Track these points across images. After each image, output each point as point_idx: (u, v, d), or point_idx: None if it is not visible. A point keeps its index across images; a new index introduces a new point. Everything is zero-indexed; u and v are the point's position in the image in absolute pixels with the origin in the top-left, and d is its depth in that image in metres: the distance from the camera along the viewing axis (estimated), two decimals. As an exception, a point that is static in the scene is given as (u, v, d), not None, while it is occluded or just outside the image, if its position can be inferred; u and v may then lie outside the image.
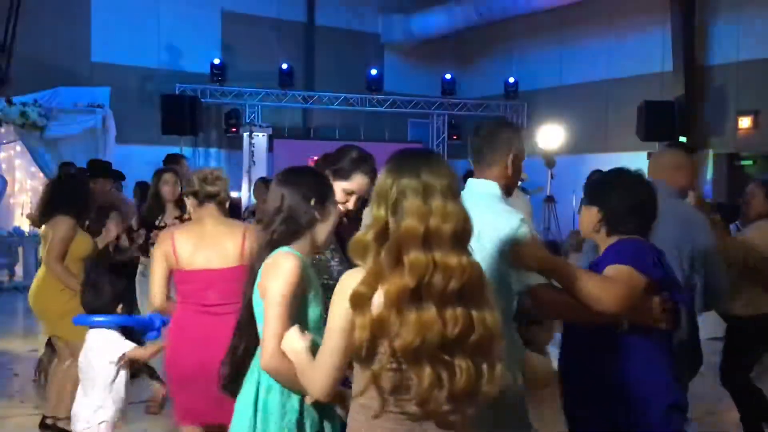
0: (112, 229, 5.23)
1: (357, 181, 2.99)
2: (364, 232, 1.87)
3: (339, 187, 2.91)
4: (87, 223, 5.04)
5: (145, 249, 5.48)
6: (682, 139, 12.43)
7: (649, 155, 13.21)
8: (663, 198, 2.85)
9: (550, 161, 13.57)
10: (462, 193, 1.93)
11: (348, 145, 3.18)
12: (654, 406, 2.56)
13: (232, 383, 2.43)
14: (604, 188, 2.77)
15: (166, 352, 3.43)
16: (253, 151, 13.79)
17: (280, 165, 13.95)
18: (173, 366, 3.35)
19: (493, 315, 1.86)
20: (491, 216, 2.53)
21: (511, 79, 15.49)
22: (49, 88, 11.20)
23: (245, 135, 13.93)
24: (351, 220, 3.01)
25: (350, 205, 3.01)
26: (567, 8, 13.49)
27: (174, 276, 3.45)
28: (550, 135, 13.86)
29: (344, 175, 2.98)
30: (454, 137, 16.20)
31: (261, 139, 14.09)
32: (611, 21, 13.64)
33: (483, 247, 2.38)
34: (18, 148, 10.92)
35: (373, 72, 15.14)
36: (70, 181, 5.32)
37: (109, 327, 3.64)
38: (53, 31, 12.64)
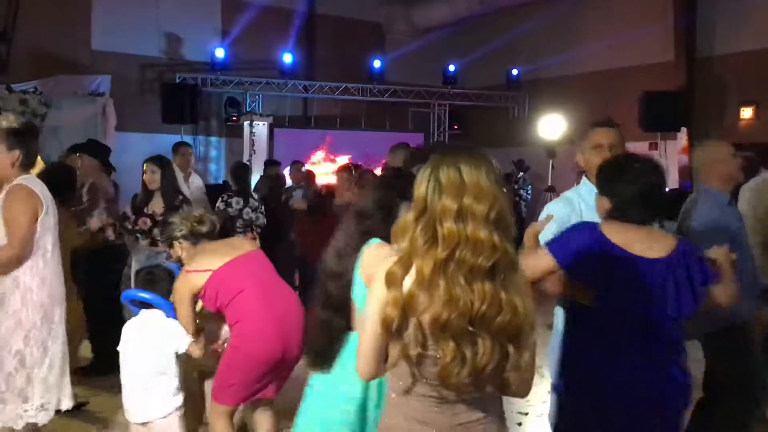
0: (93, 224, 5.28)
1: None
2: (407, 217, 1.99)
3: None
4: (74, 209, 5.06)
5: (134, 235, 5.71)
6: (684, 129, 12.43)
7: (651, 145, 13.25)
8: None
9: (551, 151, 13.55)
10: None
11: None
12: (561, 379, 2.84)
13: (324, 356, 2.71)
14: (612, 178, 2.82)
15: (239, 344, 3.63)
16: (253, 140, 13.76)
17: (280, 154, 13.95)
18: (256, 352, 3.62)
19: (524, 302, 1.93)
20: None
21: (513, 70, 15.46)
22: (49, 76, 11.16)
23: (246, 124, 13.90)
24: None
25: None
26: (569, -2, 13.46)
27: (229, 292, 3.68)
28: (551, 125, 13.82)
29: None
30: (455, 127, 16.18)
31: (261, 128, 14.05)
32: (613, 11, 13.59)
33: None
34: (11, 118, 10.89)
35: (375, 61, 15.09)
36: (53, 171, 5.32)
37: (167, 313, 3.64)
38: (54, 18, 12.58)
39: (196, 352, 3.64)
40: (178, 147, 7.98)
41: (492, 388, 1.99)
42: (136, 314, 3.75)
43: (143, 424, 3.57)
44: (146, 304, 3.67)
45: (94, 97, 10.56)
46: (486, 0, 14.67)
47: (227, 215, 6.55)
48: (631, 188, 2.71)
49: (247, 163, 11.16)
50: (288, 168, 10.87)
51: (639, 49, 13.01)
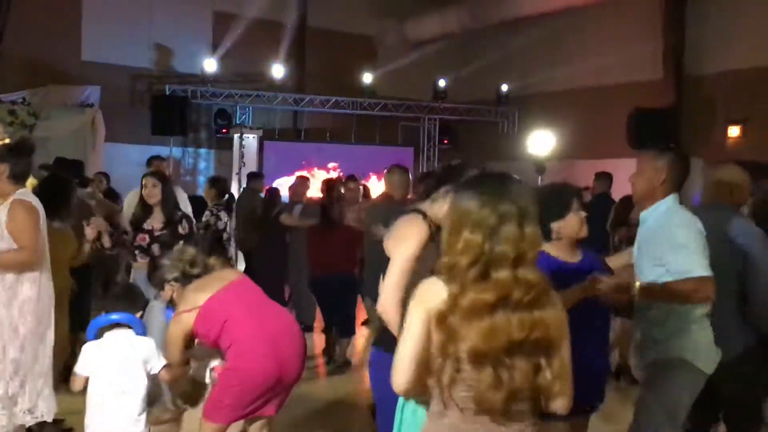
0: (89, 233, 5.22)
1: None
2: (458, 257, 2.05)
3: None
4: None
5: (132, 252, 5.61)
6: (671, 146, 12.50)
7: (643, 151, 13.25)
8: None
9: (540, 167, 13.60)
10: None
11: (482, 172, 3.32)
12: None
13: None
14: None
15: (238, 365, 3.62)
16: (243, 153, 13.74)
17: (270, 166, 13.95)
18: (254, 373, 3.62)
19: (555, 313, 2.07)
20: None
21: (503, 85, 15.52)
22: (39, 86, 11.12)
23: (235, 136, 13.89)
24: None
25: None
26: (559, 15, 13.53)
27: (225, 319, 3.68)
28: (540, 141, 13.88)
29: None
30: (445, 141, 16.22)
31: (251, 140, 14.04)
32: (603, 28, 13.67)
33: None
34: (6, 138, 10.85)
35: (365, 75, 15.12)
36: (53, 184, 5.27)
37: (137, 331, 3.58)
38: (44, 29, 12.54)
39: (166, 377, 3.59)
40: (151, 160, 7.91)
41: (525, 404, 2.08)
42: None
43: None
44: (113, 326, 3.59)
45: (84, 108, 10.53)
46: (477, 15, 14.75)
47: (217, 228, 6.52)
48: None
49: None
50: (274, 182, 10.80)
51: (628, 67, 13.09)
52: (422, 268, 2.77)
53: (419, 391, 2.19)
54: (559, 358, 2.08)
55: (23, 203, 3.97)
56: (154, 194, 5.55)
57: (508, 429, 2.09)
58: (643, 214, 3.48)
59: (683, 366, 3.32)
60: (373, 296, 6.22)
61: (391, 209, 5.90)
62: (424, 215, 3.04)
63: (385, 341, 2.95)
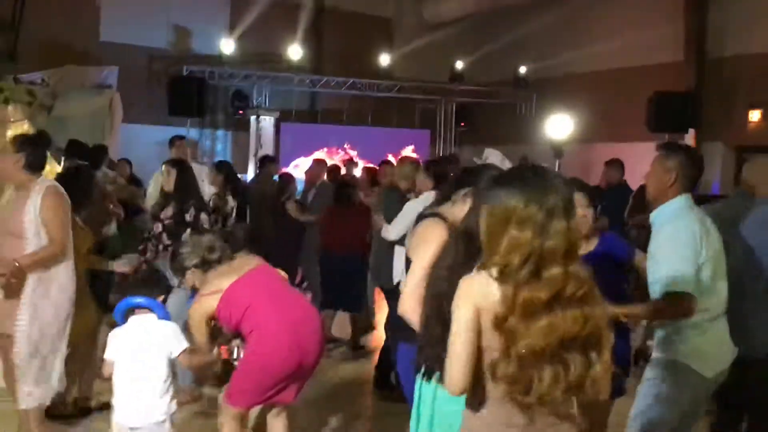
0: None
1: None
2: (508, 256, 2.04)
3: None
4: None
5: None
6: (691, 130, 12.38)
7: (658, 146, 13.15)
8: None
9: (558, 151, 13.49)
10: None
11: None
12: None
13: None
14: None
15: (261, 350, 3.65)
16: (260, 134, 13.75)
17: (286, 148, 13.95)
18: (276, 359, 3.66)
19: (601, 309, 2.08)
20: None
21: (521, 67, 15.39)
22: (57, 67, 11.15)
23: (252, 118, 13.88)
24: None
25: None
26: (578, -4, 13.39)
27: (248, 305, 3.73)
28: (558, 124, 13.75)
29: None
30: (462, 124, 16.15)
31: (268, 122, 14.04)
32: (623, 10, 13.50)
33: None
34: (26, 126, 10.89)
35: (382, 57, 15.05)
36: (74, 176, 5.33)
37: (159, 315, 3.59)
38: (62, 9, 12.58)
39: (186, 361, 3.59)
40: (173, 140, 7.96)
41: (575, 398, 2.14)
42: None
43: (133, 429, 3.51)
44: (136, 310, 3.60)
45: (102, 90, 10.54)
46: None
47: (225, 213, 6.47)
48: None
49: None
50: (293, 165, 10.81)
51: (649, 49, 12.93)
52: (439, 267, 2.81)
53: (472, 388, 2.17)
54: (608, 352, 2.10)
55: (57, 190, 4.11)
56: (167, 182, 5.58)
57: (561, 423, 2.14)
58: (653, 215, 3.40)
59: (680, 368, 3.28)
60: (379, 279, 6.34)
61: (393, 200, 6.10)
62: (444, 219, 3.06)
63: (412, 337, 3.01)
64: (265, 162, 9.61)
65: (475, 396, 2.17)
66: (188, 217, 5.47)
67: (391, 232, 5.82)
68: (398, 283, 5.47)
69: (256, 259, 4.03)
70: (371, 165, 10.77)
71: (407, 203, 5.78)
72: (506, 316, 2.03)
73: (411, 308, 2.94)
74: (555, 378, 2.04)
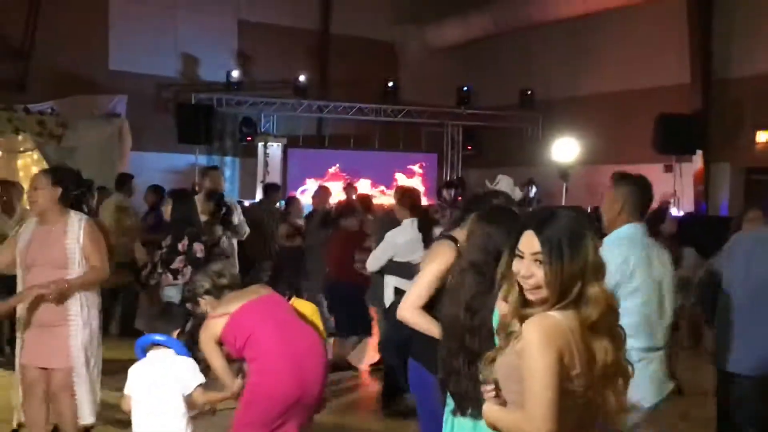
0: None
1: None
2: (603, 293, 2.14)
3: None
4: None
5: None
6: (699, 152, 12.37)
7: (666, 168, 13.17)
8: None
9: (564, 173, 13.49)
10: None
11: (506, 200, 3.60)
12: None
13: (471, 400, 2.79)
14: None
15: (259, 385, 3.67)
16: (267, 161, 13.81)
17: (294, 174, 14.01)
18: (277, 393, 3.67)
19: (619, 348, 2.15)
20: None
21: (527, 90, 15.44)
22: (66, 96, 11.25)
23: (260, 144, 13.96)
24: None
25: None
26: (583, 18, 13.44)
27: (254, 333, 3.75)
28: (565, 146, 13.78)
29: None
30: (469, 147, 16.17)
31: (275, 148, 14.11)
32: (628, 32, 13.56)
33: None
34: (35, 156, 10.98)
35: (388, 81, 15.13)
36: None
37: (177, 351, 3.62)
38: (71, 39, 12.71)
39: (200, 398, 3.58)
40: (206, 171, 8.08)
41: None
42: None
43: None
44: (155, 345, 3.63)
45: (111, 118, 10.62)
46: (500, 20, 14.69)
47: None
48: None
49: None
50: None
51: (655, 71, 12.97)
52: (453, 298, 2.96)
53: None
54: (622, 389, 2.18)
55: (96, 224, 4.53)
56: (166, 212, 5.77)
57: None
58: (603, 242, 3.40)
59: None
60: (374, 300, 6.37)
61: (387, 226, 6.19)
62: (455, 241, 3.32)
63: (421, 354, 3.26)
64: (268, 190, 9.84)
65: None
66: (181, 247, 5.57)
67: (369, 263, 5.90)
68: (391, 305, 5.69)
69: (266, 288, 4.05)
70: (365, 192, 10.87)
71: (387, 234, 5.91)
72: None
73: (409, 311, 3.30)
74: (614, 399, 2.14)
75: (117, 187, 8.74)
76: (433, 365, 3.05)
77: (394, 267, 5.82)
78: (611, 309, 2.12)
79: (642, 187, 3.47)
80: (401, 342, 5.94)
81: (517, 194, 6.98)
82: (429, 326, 3.18)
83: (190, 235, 5.67)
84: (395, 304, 5.88)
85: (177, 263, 5.56)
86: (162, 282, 5.60)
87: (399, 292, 5.85)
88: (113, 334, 7.73)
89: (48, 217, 4.32)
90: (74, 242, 4.26)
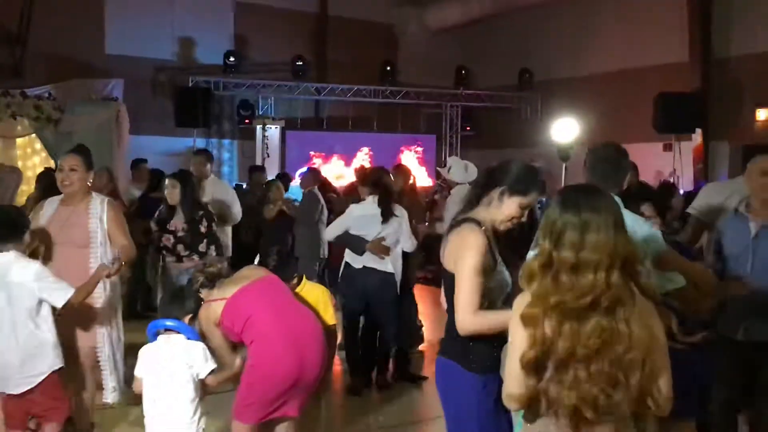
0: None
1: (533, 197, 3.10)
2: (533, 261, 2.22)
3: (516, 202, 3.05)
4: None
5: (160, 252, 5.83)
6: (698, 130, 12.34)
7: (666, 147, 13.14)
8: None
9: (564, 154, 13.46)
10: None
11: (525, 163, 3.34)
12: None
13: None
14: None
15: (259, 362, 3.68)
16: (266, 143, 13.78)
17: (293, 156, 13.98)
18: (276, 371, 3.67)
19: (643, 332, 2.11)
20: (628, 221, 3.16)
21: (526, 70, 15.37)
22: (63, 80, 11.20)
23: (258, 127, 13.92)
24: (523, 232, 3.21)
25: (524, 218, 3.14)
26: (582, -1, 13.39)
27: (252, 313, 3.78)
28: (564, 126, 13.73)
29: (523, 192, 3.07)
30: (468, 128, 16.14)
31: (274, 130, 14.08)
32: (627, 11, 13.49)
33: None
34: (33, 140, 10.96)
35: (387, 63, 15.07)
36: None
37: (188, 336, 3.61)
38: (67, 23, 12.62)
39: (213, 381, 3.61)
40: (195, 154, 8.04)
41: (613, 415, 2.14)
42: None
43: None
44: (167, 330, 3.65)
45: (108, 102, 10.57)
46: (498, 0, 14.61)
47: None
48: None
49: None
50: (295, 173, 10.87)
51: (654, 50, 12.91)
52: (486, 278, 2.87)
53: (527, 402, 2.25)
54: (643, 376, 2.12)
55: (117, 204, 4.67)
56: (172, 195, 5.67)
57: None
58: None
59: None
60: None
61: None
62: (479, 223, 3.01)
63: (455, 352, 3.01)
64: (253, 171, 10.04)
65: (530, 409, 2.25)
66: (203, 228, 5.56)
67: (327, 231, 6.16)
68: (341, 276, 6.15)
69: (263, 271, 4.05)
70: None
71: (350, 206, 6.08)
72: (536, 314, 2.14)
73: (471, 323, 2.87)
74: (572, 385, 2.10)
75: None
76: (472, 363, 2.95)
77: (346, 238, 5.92)
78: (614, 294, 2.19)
79: (608, 160, 3.43)
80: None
81: (471, 172, 7.09)
82: (497, 318, 2.80)
83: (207, 217, 5.68)
84: (344, 277, 6.02)
85: (203, 246, 5.58)
86: (183, 265, 5.58)
87: (347, 266, 6.01)
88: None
89: (74, 198, 4.38)
90: (96, 222, 4.35)
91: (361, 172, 6.51)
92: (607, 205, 2.19)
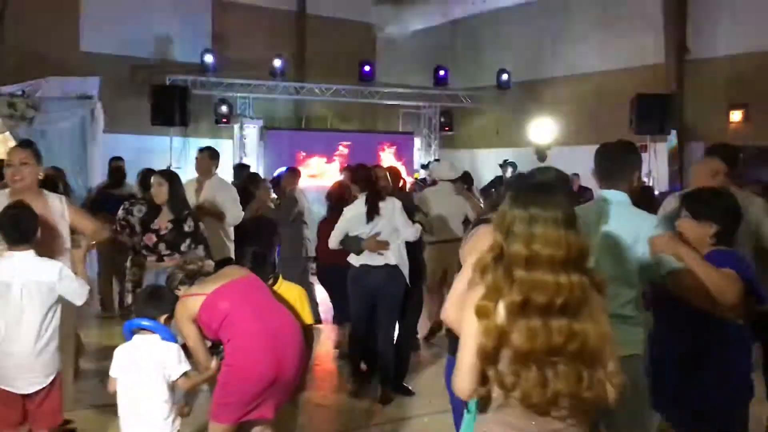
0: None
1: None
2: (486, 253, 2.24)
3: None
4: None
5: (140, 252, 5.66)
6: (674, 131, 12.46)
7: (642, 147, 13.26)
8: None
9: (541, 154, 13.56)
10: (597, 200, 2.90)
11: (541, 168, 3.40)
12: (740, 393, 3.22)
13: None
14: (719, 206, 3.26)
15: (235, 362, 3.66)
16: (244, 143, 13.71)
17: (272, 156, 13.92)
18: (252, 371, 3.64)
19: (597, 328, 2.15)
20: (629, 217, 3.21)
21: (504, 71, 15.44)
22: (37, 78, 11.07)
23: (236, 126, 13.85)
24: None
25: None
26: (561, 0, 13.46)
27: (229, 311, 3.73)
28: (541, 126, 13.84)
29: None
30: (446, 129, 16.18)
31: (252, 129, 14.01)
32: (604, 14, 13.61)
33: (622, 242, 3.14)
34: (6, 138, 10.83)
35: (366, 62, 15.07)
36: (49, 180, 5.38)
37: (163, 336, 3.57)
38: (41, 21, 12.50)
39: (185, 384, 3.57)
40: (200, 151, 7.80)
41: (571, 407, 2.18)
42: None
43: None
44: (142, 330, 3.62)
45: (83, 100, 10.47)
46: (477, 1, 14.67)
47: (129, 223, 6.35)
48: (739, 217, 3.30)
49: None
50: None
51: (630, 52, 13.03)
52: None
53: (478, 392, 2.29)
54: (603, 371, 2.17)
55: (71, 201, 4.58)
56: (159, 194, 5.55)
57: (563, 422, 2.20)
58: None
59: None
60: None
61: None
62: None
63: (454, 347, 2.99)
64: (240, 170, 9.84)
65: (483, 399, 2.29)
66: (186, 228, 5.48)
67: (330, 240, 5.96)
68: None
69: (243, 270, 4.03)
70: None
71: (345, 209, 5.98)
72: (489, 307, 2.17)
73: (454, 317, 2.85)
74: (539, 382, 2.13)
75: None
76: None
77: (345, 241, 5.85)
78: (574, 292, 2.22)
79: (610, 157, 3.45)
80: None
81: (456, 170, 7.00)
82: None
83: (192, 215, 5.61)
84: (350, 279, 5.97)
85: (185, 246, 5.48)
86: (163, 264, 5.50)
87: (351, 267, 5.89)
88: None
89: (25, 194, 4.08)
90: (60, 219, 4.21)
91: (349, 170, 6.42)
92: (556, 203, 2.21)
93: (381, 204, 5.75)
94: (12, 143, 10.61)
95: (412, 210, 6.31)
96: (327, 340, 7.48)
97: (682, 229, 3.25)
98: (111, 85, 12.19)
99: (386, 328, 5.85)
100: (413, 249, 5.96)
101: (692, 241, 3.18)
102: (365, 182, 5.91)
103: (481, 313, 2.18)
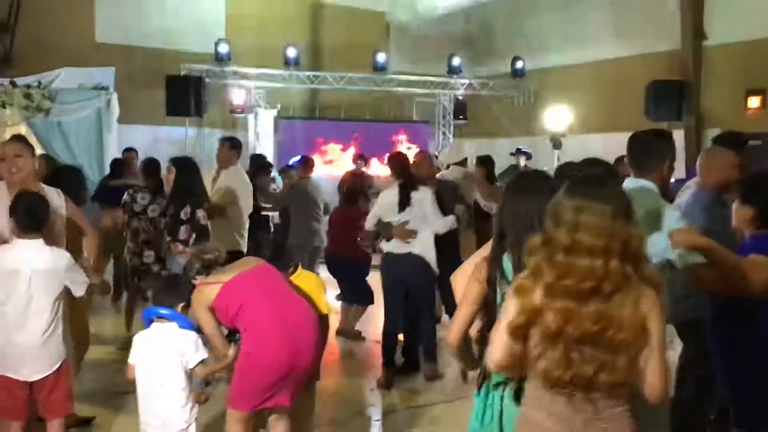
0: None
1: None
2: (537, 237, 2.32)
3: None
4: None
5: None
6: (691, 118, 12.36)
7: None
8: None
9: (557, 142, 13.49)
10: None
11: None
12: None
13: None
14: (757, 189, 3.25)
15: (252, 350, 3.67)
16: (258, 133, 13.73)
17: (285, 145, 13.94)
18: (268, 358, 3.66)
19: (635, 316, 2.18)
20: (653, 208, 3.13)
21: (518, 59, 15.35)
22: (53, 69, 11.15)
23: (250, 116, 13.87)
24: None
25: None
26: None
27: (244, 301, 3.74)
28: (557, 115, 13.75)
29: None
30: (461, 117, 16.12)
31: (266, 119, 14.03)
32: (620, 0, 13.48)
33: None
34: (23, 129, 10.93)
35: (379, 51, 15.03)
36: (65, 172, 5.43)
37: (180, 324, 3.62)
38: (57, 12, 12.57)
39: (202, 372, 3.62)
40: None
41: (600, 391, 2.24)
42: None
43: None
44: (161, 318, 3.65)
45: (99, 91, 10.55)
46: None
47: (132, 210, 6.42)
48: None
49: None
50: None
51: (646, 38, 12.91)
52: None
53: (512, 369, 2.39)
54: (625, 359, 2.19)
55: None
56: (168, 180, 5.67)
57: (603, 419, 2.25)
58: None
59: None
60: None
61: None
62: None
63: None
64: (253, 160, 9.71)
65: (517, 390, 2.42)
66: (183, 215, 5.51)
67: (366, 222, 6.15)
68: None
69: (259, 260, 4.05)
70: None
71: (381, 194, 6.20)
72: (529, 287, 2.25)
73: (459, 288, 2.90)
74: (563, 362, 2.19)
75: None
76: None
77: (379, 226, 6.02)
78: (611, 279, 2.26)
79: (638, 146, 3.45)
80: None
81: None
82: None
83: (192, 203, 5.63)
84: (382, 265, 6.05)
85: (183, 233, 5.52)
86: (171, 251, 5.57)
87: (383, 253, 6.08)
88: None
89: (24, 186, 4.04)
90: (55, 215, 4.12)
91: (390, 158, 6.51)
92: (606, 195, 2.25)
93: (413, 194, 5.88)
94: (30, 135, 10.74)
95: (449, 199, 6.47)
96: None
97: (734, 215, 3.34)
98: (126, 75, 12.27)
99: (427, 312, 6.05)
100: (447, 235, 6.06)
101: (739, 226, 3.24)
102: (400, 171, 6.01)
103: (520, 291, 2.26)
